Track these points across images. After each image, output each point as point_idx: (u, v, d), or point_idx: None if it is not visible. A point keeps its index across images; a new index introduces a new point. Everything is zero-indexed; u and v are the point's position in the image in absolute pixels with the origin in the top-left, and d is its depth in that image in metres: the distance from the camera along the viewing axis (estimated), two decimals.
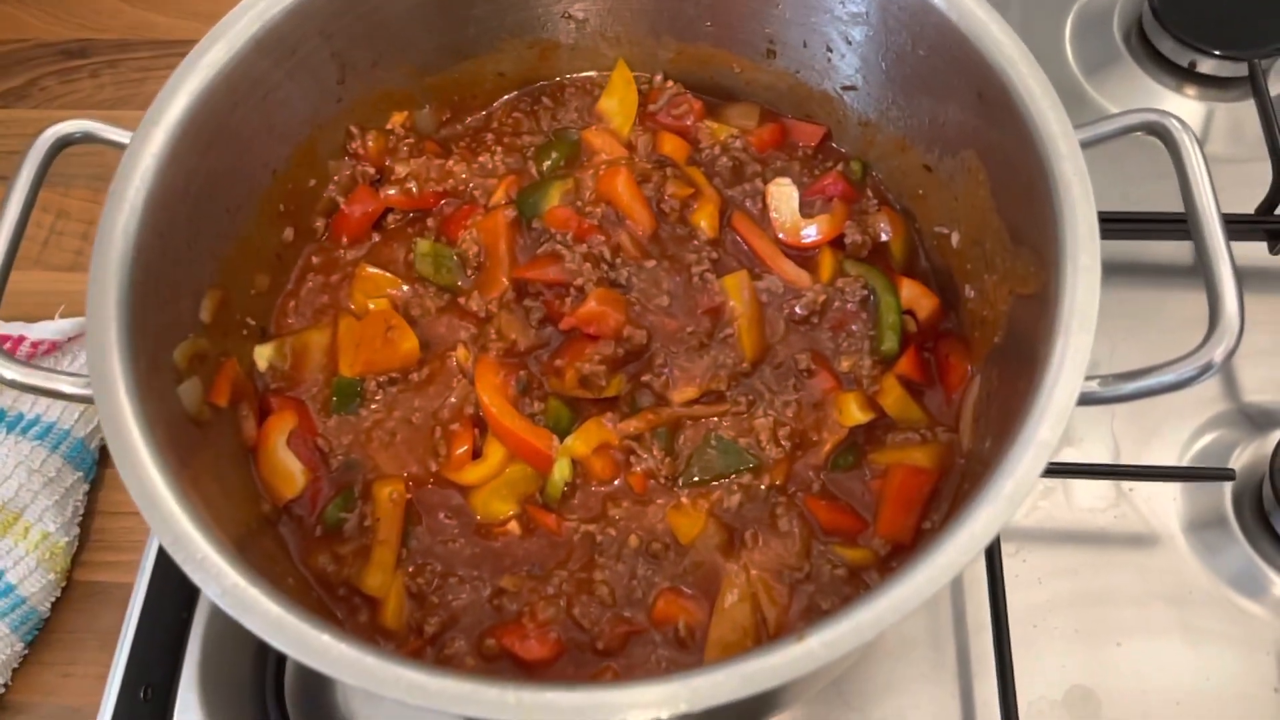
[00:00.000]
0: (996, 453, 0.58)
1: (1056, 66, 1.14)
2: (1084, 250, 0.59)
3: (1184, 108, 1.11)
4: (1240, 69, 1.08)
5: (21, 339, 0.93)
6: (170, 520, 0.55)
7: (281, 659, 0.86)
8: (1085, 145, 0.65)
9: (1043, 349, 0.59)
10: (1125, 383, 0.60)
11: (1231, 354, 0.60)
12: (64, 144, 0.68)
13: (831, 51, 0.81)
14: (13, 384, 0.62)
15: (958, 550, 0.53)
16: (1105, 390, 0.60)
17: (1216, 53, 1.08)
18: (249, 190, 0.76)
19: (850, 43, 0.79)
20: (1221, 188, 1.11)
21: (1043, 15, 1.17)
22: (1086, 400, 0.58)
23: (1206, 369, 0.59)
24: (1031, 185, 0.64)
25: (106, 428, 0.57)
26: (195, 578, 0.54)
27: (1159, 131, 0.66)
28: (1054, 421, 0.55)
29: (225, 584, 0.53)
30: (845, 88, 0.83)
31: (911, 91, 0.77)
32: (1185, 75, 1.11)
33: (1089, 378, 0.59)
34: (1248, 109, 1.07)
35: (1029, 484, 0.54)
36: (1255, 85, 1.04)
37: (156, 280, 0.65)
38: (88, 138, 0.68)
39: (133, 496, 0.55)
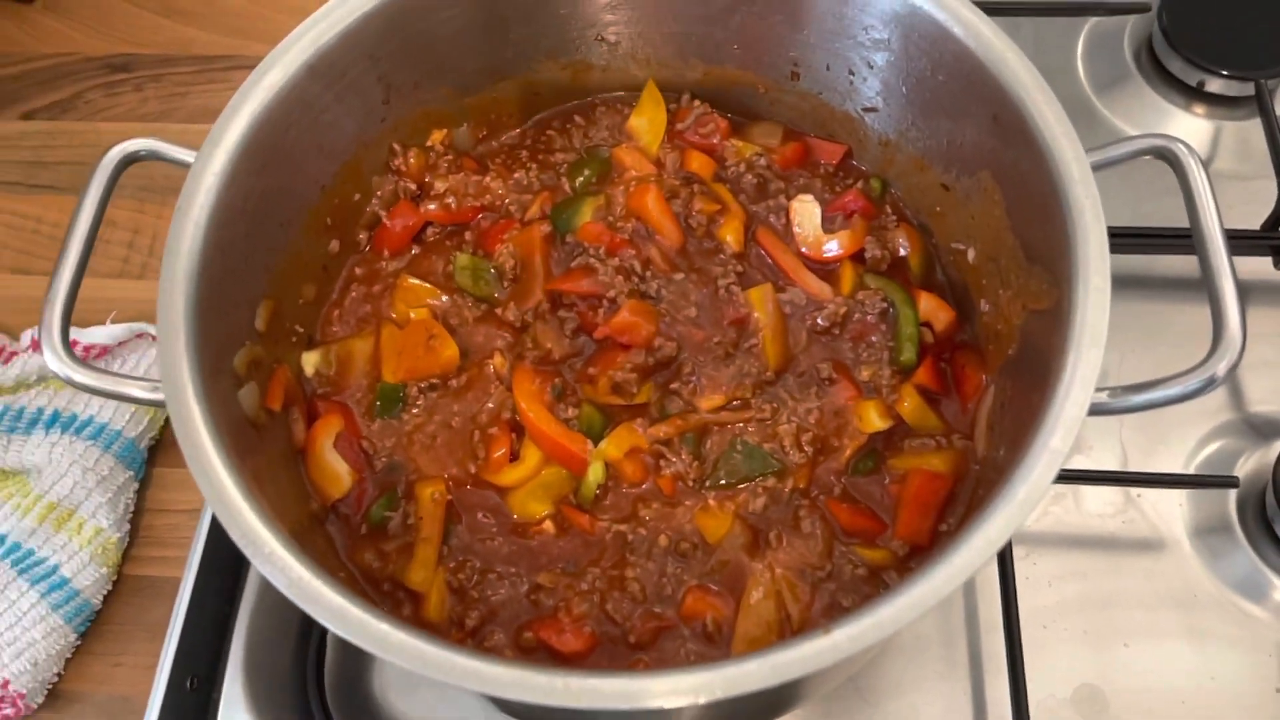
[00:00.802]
0: (1011, 460, 0.61)
1: (1068, 84, 1.17)
2: (1095, 270, 0.63)
3: (1192, 126, 1.13)
4: (1247, 89, 1.10)
5: (74, 343, 0.97)
6: (239, 517, 0.59)
7: (321, 650, 0.89)
8: (1096, 168, 0.68)
9: (1055, 363, 0.62)
10: (1133, 395, 0.63)
11: (1234, 368, 0.63)
12: (130, 160, 0.72)
13: (854, 75, 0.84)
14: (84, 388, 0.66)
15: (973, 552, 0.56)
16: (1114, 402, 0.63)
17: (1224, 73, 1.10)
18: (299, 206, 0.79)
19: (872, 67, 0.82)
20: (1228, 204, 1.14)
21: (1055, 34, 1.19)
22: (1096, 411, 0.61)
23: (1210, 383, 0.62)
24: (1045, 206, 0.68)
25: (179, 431, 0.61)
26: (264, 570, 0.57)
27: (1167, 156, 0.69)
28: (1065, 432, 0.58)
29: (292, 576, 0.57)
30: (866, 109, 0.86)
31: (930, 114, 0.80)
32: (1194, 94, 1.14)
33: (1099, 389, 0.62)
34: (1254, 127, 1.09)
35: (1041, 490, 0.57)
36: (1261, 105, 1.07)
37: (218, 293, 0.69)
38: (152, 155, 0.72)
39: (205, 495, 0.59)
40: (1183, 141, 0.69)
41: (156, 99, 1.19)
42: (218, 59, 1.21)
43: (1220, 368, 0.62)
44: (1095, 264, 0.63)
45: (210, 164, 0.69)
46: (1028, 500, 0.57)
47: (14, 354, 1.00)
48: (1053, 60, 1.18)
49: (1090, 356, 0.61)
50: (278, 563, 0.57)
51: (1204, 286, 0.66)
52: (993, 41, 0.71)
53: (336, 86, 0.77)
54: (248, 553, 0.57)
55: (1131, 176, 1.07)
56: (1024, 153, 0.69)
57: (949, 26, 0.72)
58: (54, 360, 0.65)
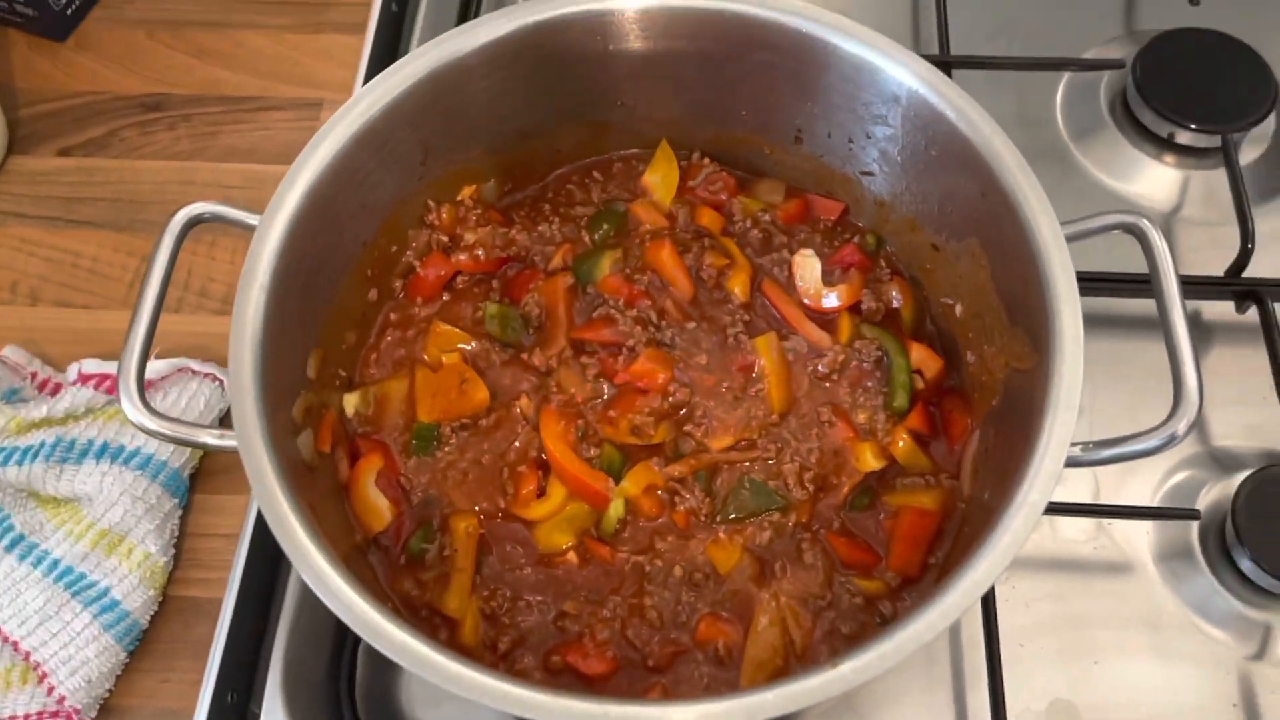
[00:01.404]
0: (994, 508, 0.68)
1: (1047, 132, 1.22)
2: (1070, 339, 0.70)
3: (1162, 174, 1.19)
4: (1214, 141, 1.16)
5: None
6: (309, 557, 0.65)
7: (353, 664, 0.96)
8: (1071, 239, 0.75)
9: (1034, 421, 0.69)
10: (1103, 449, 0.71)
11: (1193, 426, 0.70)
12: (195, 222, 0.78)
13: (853, 143, 0.91)
14: (161, 436, 0.72)
15: (962, 594, 0.64)
16: (1086, 456, 0.70)
17: (1193, 126, 1.16)
18: (345, 261, 0.85)
19: (870, 137, 0.89)
20: (1194, 249, 1.21)
21: (1036, 86, 1.25)
22: (1071, 464, 0.68)
23: (1171, 440, 0.69)
24: (1026, 276, 0.75)
25: (252, 477, 0.67)
26: (332, 606, 0.64)
27: (1134, 231, 0.76)
28: (1043, 487, 0.66)
29: (361, 618, 0.63)
30: (864, 173, 0.93)
31: (923, 182, 0.87)
32: (1164, 144, 1.19)
33: (1073, 444, 0.69)
34: (1220, 177, 1.15)
35: (1021, 539, 0.65)
36: (1227, 157, 1.13)
37: (278, 348, 0.74)
38: (216, 218, 0.78)
39: (278, 538, 0.65)
40: (1147, 219, 0.77)
41: (188, 138, 1.24)
42: (246, 99, 1.27)
43: (1180, 426, 0.70)
44: (1070, 332, 0.71)
45: (271, 232, 0.75)
46: (1009, 548, 0.65)
47: (59, 385, 1.06)
48: (1034, 110, 1.24)
49: (1065, 418, 0.68)
50: (344, 599, 0.64)
51: None
52: (981, 126, 0.78)
53: (381, 153, 0.83)
54: (318, 590, 0.64)
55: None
56: (1007, 227, 0.76)
57: (943, 110, 0.80)
58: (132, 411, 0.71)
